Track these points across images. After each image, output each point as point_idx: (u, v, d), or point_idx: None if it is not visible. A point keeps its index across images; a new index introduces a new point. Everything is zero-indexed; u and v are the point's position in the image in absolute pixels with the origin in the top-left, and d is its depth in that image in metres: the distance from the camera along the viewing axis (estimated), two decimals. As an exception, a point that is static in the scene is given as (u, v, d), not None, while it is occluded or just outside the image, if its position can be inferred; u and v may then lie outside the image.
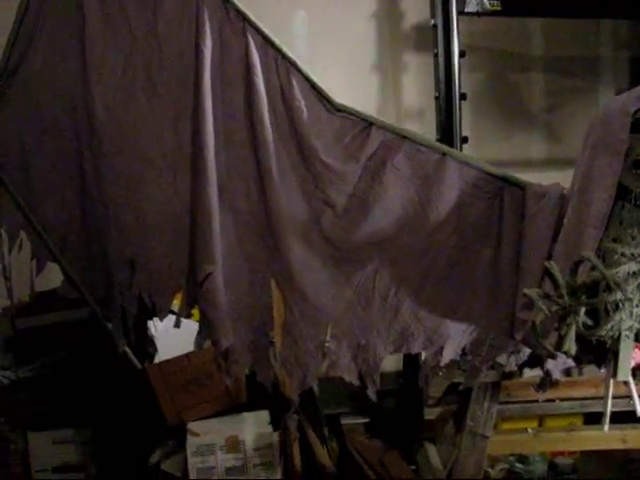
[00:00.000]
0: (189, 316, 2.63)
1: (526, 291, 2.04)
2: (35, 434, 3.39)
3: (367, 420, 3.83)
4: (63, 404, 3.37)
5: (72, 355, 3.46)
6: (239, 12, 2.41)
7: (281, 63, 2.44)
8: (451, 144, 3.25)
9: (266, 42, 2.43)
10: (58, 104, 2.53)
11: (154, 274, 2.56)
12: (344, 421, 3.79)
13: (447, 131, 3.43)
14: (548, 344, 2.11)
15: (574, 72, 4.51)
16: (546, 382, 2.72)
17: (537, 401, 3.03)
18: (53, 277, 2.74)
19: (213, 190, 2.43)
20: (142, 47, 2.47)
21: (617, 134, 2.15)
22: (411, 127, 3.04)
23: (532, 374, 2.71)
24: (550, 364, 2.63)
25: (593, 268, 2.02)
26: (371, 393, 2.61)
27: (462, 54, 3.46)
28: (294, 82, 2.44)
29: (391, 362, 3.97)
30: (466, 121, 3.59)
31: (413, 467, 3.30)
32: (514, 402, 3.01)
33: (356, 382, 2.62)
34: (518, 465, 3.53)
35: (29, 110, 2.54)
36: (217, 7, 2.41)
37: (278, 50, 2.44)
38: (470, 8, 3.48)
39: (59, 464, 3.43)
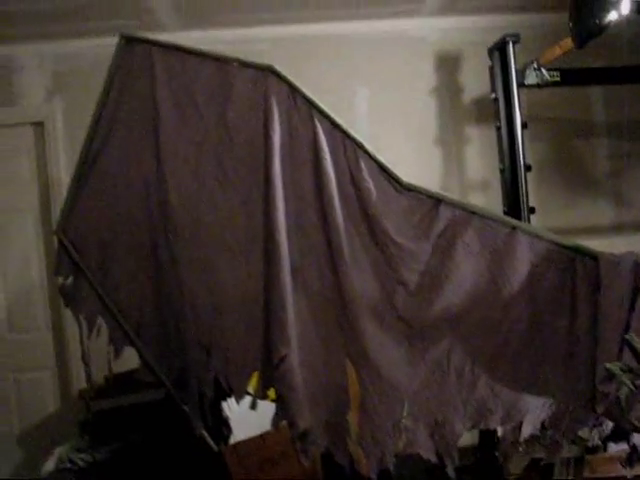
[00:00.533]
0: (265, 397, 2.63)
1: (608, 366, 2.01)
2: (114, 518, 3.40)
3: (445, 498, 3.73)
4: (138, 485, 3.39)
5: (147, 437, 3.49)
6: (306, 99, 2.49)
7: (349, 145, 2.50)
8: (518, 215, 3.25)
9: (333, 126, 2.50)
10: (133, 194, 2.63)
11: (230, 356, 2.59)
12: (422, 499, 3.71)
13: (514, 203, 3.42)
14: (634, 418, 2.06)
15: (636, 136, 4.48)
16: (633, 457, 2.63)
17: (625, 477, 2.91)
18: (129, 360, 2.79)
19: (286, 272, 2.47)
20: (213, 136, 2.57)
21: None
22: (475, 199, 3.07)
23: (618, 449, 2.63)
24: (636, 438, 2.55)
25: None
26: (450, 470, 2.56)
27: (524, 125, 3.48)
28: (362, 164, 2.49)
29: (466, 436, 3.90)
30: (531, 191, 3.58)
31: None
32: (600, 478, 2.89)
33: (434, 459, 2.57)
34: (606, 543, 3.38)
35: (106, 199, 2.65)
36: (285, 96, 2.50)
37: (345, 133, 2.50)
38: (530, 80, 3.52)
39: None
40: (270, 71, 2.51)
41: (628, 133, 4.46)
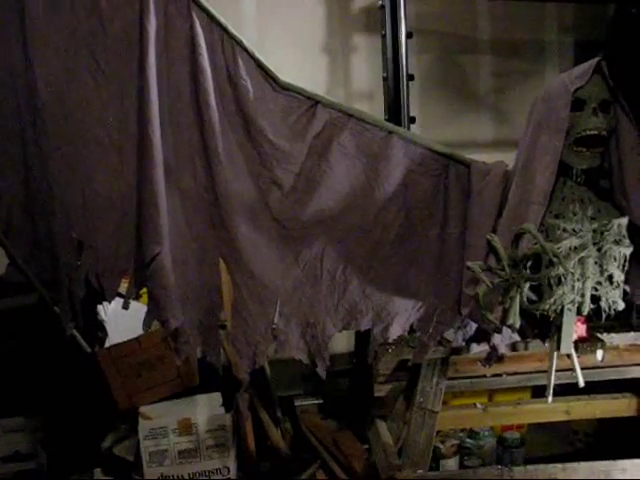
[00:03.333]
0: (137, 297, 2.61)
1: (469, 264, 2.08)
2: (-16, 423, 3.34)
3: (320, 401, 3.85)
4: (12, 392, 3.32)
5: (20, 342, 3.40)
6: None
7: (227, 42, 2.43)
8: (399, 124, 3.26)
9: (211, 21, 2.41)
10: (0, 85, 2.47)
11: (101, 255, 2.53)
12: (298, 403, 3.81)
13: (395, 112, 3.45)
14: (493, 317, 2.15)
15: (521, 55, 4.57)
16: (492, 357, 2.78)
17: (485, 376, 3.07)
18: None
19: (159, 170, 2.40)
20: (85, 26, 2.42)
21: (558, 112, 2.21)
22: (360, 108, 3.04)
23: (479, 349, 2.76)
24: (496, 339, 2.68)
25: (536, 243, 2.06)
26: (321, 371, 2.63)
27: (409, 35, 3.48)
28: (240, 61, 2.43)
29: (344, 343, 4.01)
30: (414, 102, 3.61)
31: (366, 445, 3.33)
32: (463, 377, 3.04)
33: (306, 360, 2.63)
34: (468, 440, 3.59)
35: None
36: None
37: (224, 29, 2.42)
38: (417, -11, 3.51)
39: (10, 453, 3.40)
40: (146, -43, 2.39)
41: (511, 51, 4.54)
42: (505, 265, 2.06)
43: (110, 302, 2.62)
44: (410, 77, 3.47)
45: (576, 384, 2.42)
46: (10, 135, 2.51)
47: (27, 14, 2.40)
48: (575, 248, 2.20)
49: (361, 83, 4.27)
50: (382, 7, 3.50)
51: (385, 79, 3.51)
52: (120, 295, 2.62)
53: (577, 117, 2.20)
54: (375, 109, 3.83)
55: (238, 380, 3.06)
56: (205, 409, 3.28)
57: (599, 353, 2.56)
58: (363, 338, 3.31)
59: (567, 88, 2.19)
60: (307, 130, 2.47)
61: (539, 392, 3.39)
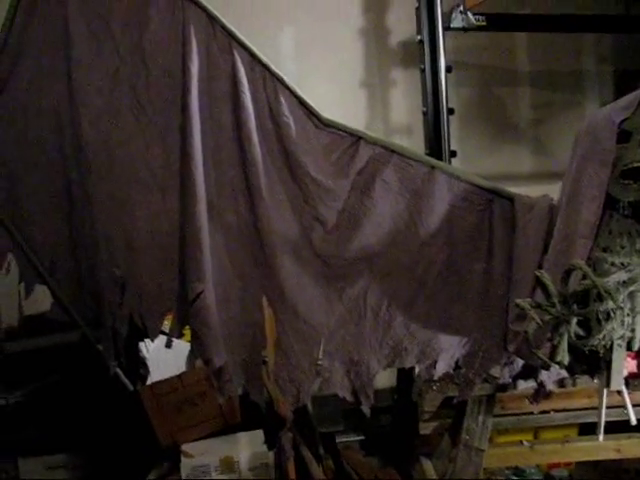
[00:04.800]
0: (180, 336, 2.60)
1: (518, 301, 2.04)
2: (26, 460, 3.35)
3: (362, 438, 3.82)
4: (55, 429, 3.34)
5: (64, 379, 3.43)
6: (225, 29, 2.41)
7: (268, 79, 2.44)
8: (440, 159, 3.26)
9: (253, 59, 2.43)
10: (44, 124, 2.51)
11: (144, 294, 2.53)
12: (339, 439, 3.78)
13: (435, 146, 3.45)
14: (542, 354, 2.11)
15: (560, 86, 4.55)
16: (540, 393, 2.72)
17: (532, 413, 3.02)
18: (42, 300, 2.71)
19: (202, 208, 2.41)
20: (128, 66, 2.46)
21: (604, 144, 2.17)
22: (399, 143, 3.05)
23: (526, 386, 2.71)
24: (544, 375, 2.63)
25: (584, 277, 2.02)
26: (365, 409, 2.60)
27: (449, 69, 3.48)
28: (281, 98, 2.44)
29: (385, 379, 3.97)
30: (454, 136, 3.59)
31: (410, 483, 3.29)
32: (509, 415, 2.99)
33: (350, 398, 2.60)
34: (514, 478, 3.52)
35: (16, 130, 2.52)
36: (203, 25, 2.41)
37: (265, 66, 2.44)
38: (456, 24, 3.52)
39: (53, 490, 3.40)
40: (188, -1, 2.43)
41: (550, 82, 4.52)
42: (556, 302, 2.02)
43: (153, 341, 2.63)
44: (450, 111, 3.47)
45: (627, 421, 2.36)
46: (54, 173, 2.54)
47: (73, 55, 2.43)
48: (624, 282, 2.15)
49: (400, 117, 4.28)
50: (421, 41, 3.51)
51: (425, 113, 3.51)
52: (163, 333, 2.63)
53: (623, 149, 2.16)
54: (414, 143, 3.85)
55: (280, 417, 3.04)
56: (247, 447, 3.26)
57: (652, 390, 2.50)
58: (405, 373, 3.28)
59: (612, 120, 2.16)
60: (350, 166, 2.47)
61: (586, 429, 3.32)
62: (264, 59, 2.44)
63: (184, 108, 2.41)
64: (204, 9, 2.41)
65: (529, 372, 2.63)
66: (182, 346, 2.70)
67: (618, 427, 2.84)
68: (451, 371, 2.64)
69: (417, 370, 2.64)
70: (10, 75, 2.48)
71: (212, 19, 2.41)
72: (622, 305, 2.12)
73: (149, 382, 3.42)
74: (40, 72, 2.48)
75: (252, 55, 2.43)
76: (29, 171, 2.54)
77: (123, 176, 2.50)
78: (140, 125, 2.48)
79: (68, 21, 2.43)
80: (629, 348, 2.20)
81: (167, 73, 2.44)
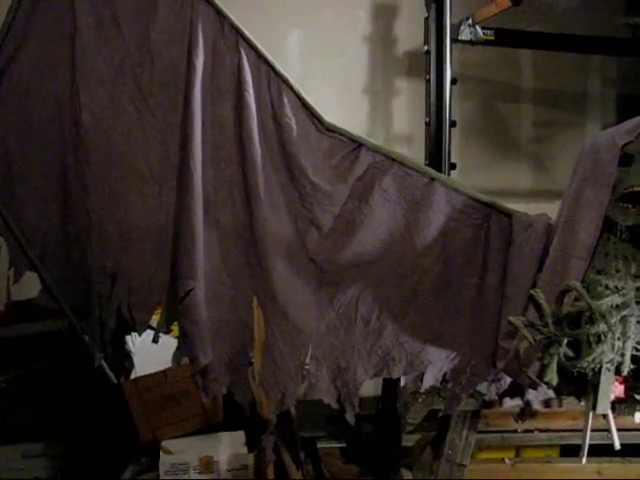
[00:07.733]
0: (168, 332, 2.58)
1: (511, 319, 2.03)
2: (5, 447, 3.31)
3: (343, 445, 3.79)
4: (35, 417, 3.31)
5: (47, 367, 3.40)
6: (233, 27, 2.41)
7: (273, 79, 2.44)
8: (439, 170, 3.23)
9: (259, 58, 2.43)
10: (45, 109, 2.49)
11: (134, 287, 2.52)
12: (320, 445, 3.75)
13: (436, 157, 3.43)
14: (531, 373, 2.10)
15: (563, 105, 4.55)
16: (526, 412, 2.72)
17: (516, 431, 3.01)
18: (31, 287, 2.68)
19: (198, 204, 2.41)
20: (133, 58, 2.45)
21: (605, 167, 2.16)
22: (399, 151, 3.04)
23: (512, 404, 2.70)
24: (530, 394, 2.62)
25: (577, 299, 2.01)
26: (349, 417, 2.58)
27: (454, 81, 3.47)
28: (285, 99, 2.43)
29: (370, 387, 3.95)
30: (455, 148, 3.58)
31: (388, 494, 3.27)
32: (493, 431, 2.98)
33: (335, 405, 2.58)
34: (494, 495, 3.50)
35: (15, 113, 2.49)
36: (212, 21, 2.41)
37: (271, 66, 2.43)
38: (464, 36, 3.51)
39: (29, 478, 3.36)
40: (198, -7, 2.41)
41: (553, 101, 4.52)
42: (549, 322, 2.01)
43: (141, 334, 2.60)
44: (452, 123, 3.46)
45: (609, 445, 2.35)
46: (51, 158, 2.52)
47: (78, 42, 2.43)
48: (617, 306, 2.15)
49: (401, 126, 4.28)
50: (427, 52, 3.50)
51: (427, 124, 3.50)
52: (151, 327, 2.60)
53: (624, 172, 2.15)
54: (414, 153, 3.84)
55: (263, 419, 3.02)
56: (228, 447, 3.24)
57: (637, 415, 2.49)
58: (391, 383, 3.25)
59: (615, 142, 2.15)
60: (350, 172, 2.46)
61: (568, 450, 3.31)
62: (270, 59, 2.43)
63: (186, 103, 2.41)
64: (213, 5, 2.41)
65: (516, 390, 2.62)
66: (168, 342, 2.67)
67: (600, 450, 2.85)
68: (438, 384, 2.63)
69: (403, 381, 2.62)
70: (15, 55, 2.45)
71: (221, 16, 2.40)
72: (613, 329, 2.11)
73: (133, 376, 3.40)
74: (44, 57, 2.46)
75: (258, 54, 2.43)
76: (26, 155, 2.52)
77: (121, 167, 2.48)
78: (141, 117, 2.47)
79: (74, 7, 2.42)
80: (617, 372, 2.20)
81: (172, 67, 2.44)
